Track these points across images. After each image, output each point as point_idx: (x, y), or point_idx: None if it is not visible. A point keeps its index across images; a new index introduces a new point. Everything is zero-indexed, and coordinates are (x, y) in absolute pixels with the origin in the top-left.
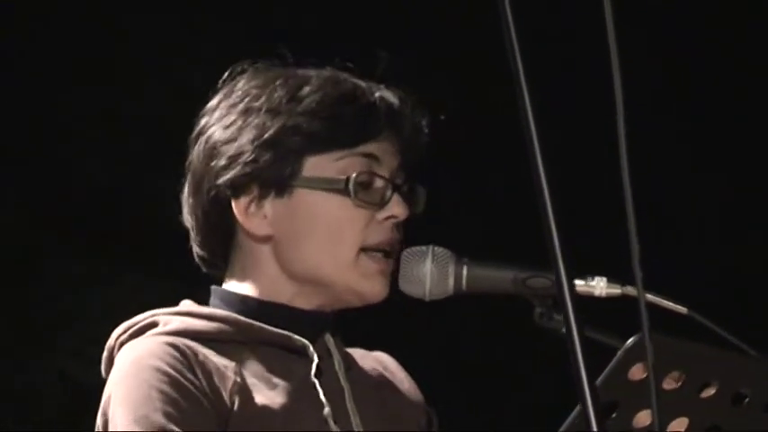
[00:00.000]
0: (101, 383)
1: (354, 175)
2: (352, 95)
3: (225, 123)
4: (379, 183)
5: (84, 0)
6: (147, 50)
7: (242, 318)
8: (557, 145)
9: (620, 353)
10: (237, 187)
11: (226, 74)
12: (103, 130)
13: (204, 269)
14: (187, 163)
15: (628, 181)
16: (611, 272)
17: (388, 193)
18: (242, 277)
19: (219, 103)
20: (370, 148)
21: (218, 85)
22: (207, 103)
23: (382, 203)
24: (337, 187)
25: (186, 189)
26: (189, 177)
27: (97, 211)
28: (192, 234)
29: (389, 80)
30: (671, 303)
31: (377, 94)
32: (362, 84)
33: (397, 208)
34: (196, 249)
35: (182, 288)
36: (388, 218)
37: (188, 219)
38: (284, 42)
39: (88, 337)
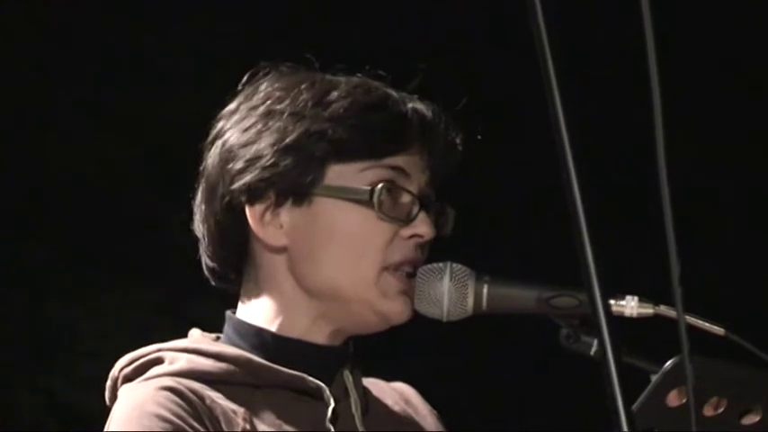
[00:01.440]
0: (93, 406)
1: (380, 185)
2: (382, 104)
3: (244, 126)
4: (405, 198)
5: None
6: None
7: (254, 358)
8: (589, 154)
9: (657, 376)
10: (253, 193)
11: (246, 76)
12: (93, 130)
13: (213, 282)
14: (201, 168)
15: (667, 194)
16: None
17: (415, 209)
18: (257, 294)
19: (239, 105)
20: (399, 161)
21: (239, 88)
22: (224, 106)
23: (408, 220)
24: (361, 198)
25: (199, 195)
26: (202, 183)
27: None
28: (203, 244)
29: (424, 94)
30: (707, 324)
31: (410, 105)
32: (395, 93)
33: (423, 226)
34: (206, 261)
35: (176, 300)
36: (412, 236)
37: (199, 227)
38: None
39: (79, 353)
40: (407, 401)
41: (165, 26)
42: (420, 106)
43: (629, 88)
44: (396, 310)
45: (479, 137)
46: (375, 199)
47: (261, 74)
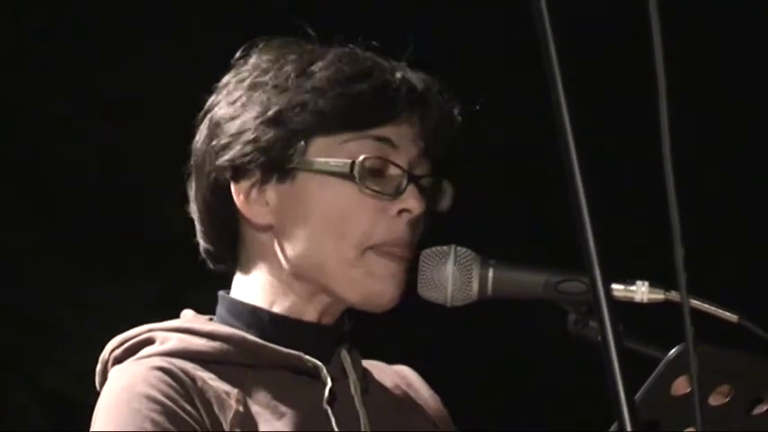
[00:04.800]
0: (87, 400)
1: (362, 158)
2: (367, 73)
3: (230, 99)
4: (393, 171)
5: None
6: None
7: (249, 337)
8: (593, 139)
9: (661, 365)
10: (238, 170)
11: (240, 50)
12: (96, 128)
13: (211, 264)
14: (192, 144)
15: (671, 176)
16: (662, 278)
17: (403, 183)
18: (248, 274)
19: (230, 79)
20: (385, 131)
21: (234, 60)
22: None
23: (395, 194)
24: (341, 171)
25: (191, 173)
26: (192, 159)
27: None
28: (197, 225)
29: (418, 65)
30: (719, 310)
31: (398, 74)
32: (384, 62)
33: (411, 200)
34: (201, 242)
35: (173, 293)
36: (401, 212)
37: (192, 207)
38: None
39: (72, 347)
40: (409, 384)
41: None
42: (411, 75)
43: (634, 76)
44: (380, 292)
45: (477, 107)
46: (357, 172)
47: (256, 47)
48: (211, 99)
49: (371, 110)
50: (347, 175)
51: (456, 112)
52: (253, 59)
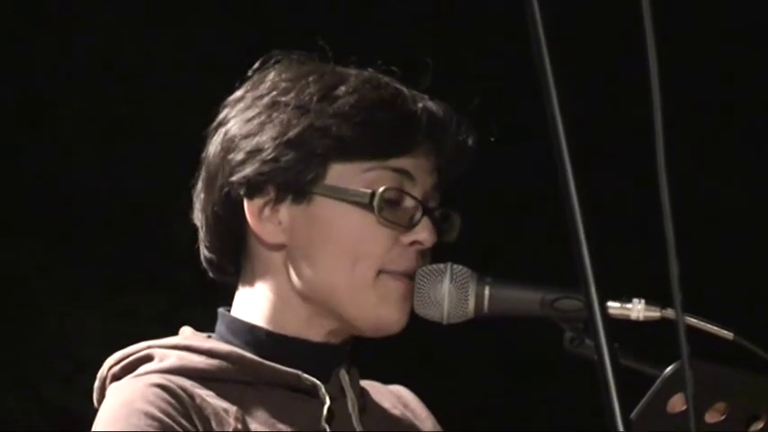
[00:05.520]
0: (89, 413)
1: (382, 189)
2: (391, 102)
3: (247, 116)
4: (408, 202)
5: None
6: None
7: (247, 355)
8: (589, 153)
9: (657, 382)
10: (252, 187)
11: (257, 63)
12: (98, 136)
13: (212, 274)
14: (202, 156)
15: (666, 193)
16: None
17: (418, 215)
18: (252, 290)
19: (245, 94)
20: (404, 162)
21: (248, 75)
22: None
23: (409, 226)
24: (361, 201)
25: (199, 184)
26: (203, 171)
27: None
28: (201, 234)
29: (435, 93)
30: (715, 327)
31: (419, 105)
32: (405, 91)
33: (424, 233)
34: (204, 251)
35: (175, 307)
36: (413, 243)
37: (198, 216)
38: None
39: (75, 361)
40: (406, 405)
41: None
42: (431, 105)
43: (629, 86)
44: (392, 318)
45: (492, 138)
46: (376, 203)
47: (272, 61)
48: (225, 113)
49: (393, 140)
50: (366, 205)
51: (471, 143)
52: (271, 76)
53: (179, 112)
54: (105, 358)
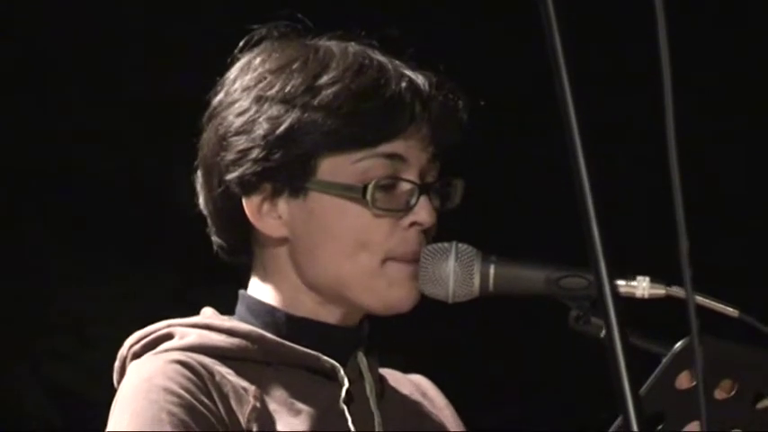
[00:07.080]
0: (100, 394)
1: (373, 182)
2: (374, 87)
3: (238, 110)
4: (403, 186)
5: None
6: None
7: (267, 335)
8: (598, 134)
9: (666, 359)
10: (247, 185)
11: (242, 42)
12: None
13: (224, 257)
14: (199, 144)
15: (676, 170)
16: (656, 272)
17: (414, 197)
18: (264, 277)
19: (235, 80)
20: (395, 146)
21: (236, 53)
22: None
23: (407, 209)
24: (354, 195)
25: (199, 176)
26: (200, 164)
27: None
28: (209, 221)
29: (419, 58)
30: (720, 305)
31: (403, 84)
32: (389, 67)
33: (422, 213)
34: (214, 237)
35: (189, 286)
36: (412, 224)
37: (203, 204)
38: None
39: (86, 341)
40: (424, 393)
41: None
42: (416, 78)
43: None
44: (403, 298)
45: (482, 102)
46: (369, 196)
47: (255, 39)
48: (217, 100)
49: (381, 127)
50: (359, 199)
51: (461, 107)
52: (257, 63)
53: (179, 87)
54: (113, 338)
